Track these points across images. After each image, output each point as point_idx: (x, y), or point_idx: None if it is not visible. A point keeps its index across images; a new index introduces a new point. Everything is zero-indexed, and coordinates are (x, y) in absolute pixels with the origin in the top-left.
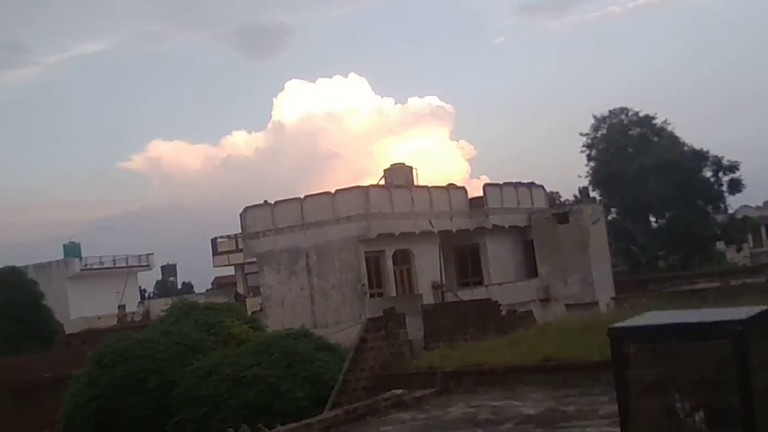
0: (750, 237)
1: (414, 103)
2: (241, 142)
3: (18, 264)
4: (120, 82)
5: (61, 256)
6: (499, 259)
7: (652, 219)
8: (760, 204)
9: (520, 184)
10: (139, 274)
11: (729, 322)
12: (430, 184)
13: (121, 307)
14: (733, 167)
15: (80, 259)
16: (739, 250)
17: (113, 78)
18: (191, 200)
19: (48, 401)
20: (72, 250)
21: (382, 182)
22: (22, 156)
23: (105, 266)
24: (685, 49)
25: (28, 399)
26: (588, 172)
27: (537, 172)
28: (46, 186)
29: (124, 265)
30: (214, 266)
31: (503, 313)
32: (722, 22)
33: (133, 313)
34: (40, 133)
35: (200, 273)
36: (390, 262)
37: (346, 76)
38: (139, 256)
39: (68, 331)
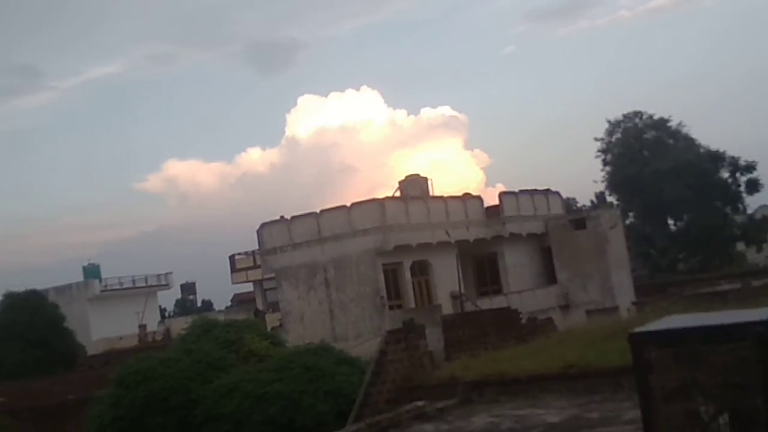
0: None
1: (427, 113)
2: (255, 158)
3: (39, 287)
4: (134, 103)
5: (81, 278)
6: (517, 267)
7: (671, 222)
8: None
9: (535, 191)
10: (158, 293)
11: (751, 324)
12: (445, 195)
13: (142, 327)
14: (750, 167)
15: (100, 280)
16: (759, 250)
17: (127, 99)
18: (208, 218)
19: (71, 423)
20: (91, 272)
21: (398, 194)
22: (38, 180)
23: (124, 287)
24: (698, 52)
25: (52, 421)
26: (604, 177)
27: (553, 178)
28: (63, 209)
29: (143, 285)
30: (233, 283)
31: (523, 321)
32: (733, 23)
33: (154, 333)
34: (56, 157)
35: (219, 290)
36: (408, 274)
37: (358, 90)
38: (158, 275)
39: (90, 352)
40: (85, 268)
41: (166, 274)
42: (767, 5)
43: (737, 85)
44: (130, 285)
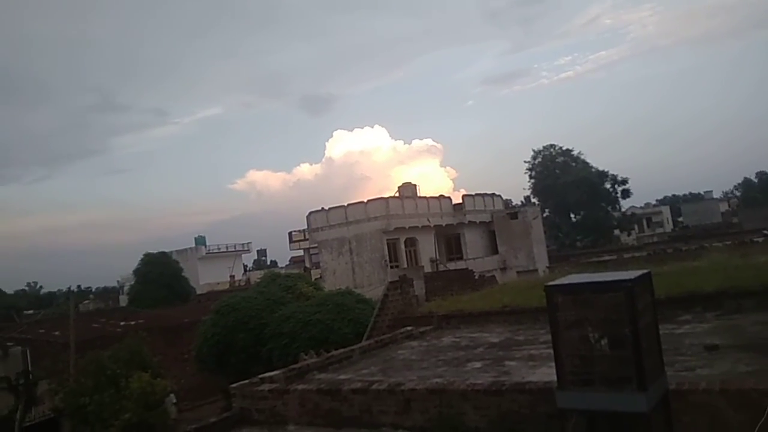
0: (636, 226)
1: (416, 143)
2: (306, 170)
3: (166, 250)
4: (230, 133)
5: (193, 245)
6: (473, 242)
7: (572, 216)
8: (642, 205)
9: (486, 194)
10: (243, 255)
11: (622, 281)
12: (428, 196)
13: (232, 276)
14: (624, 181)
15: (205, 246)
16: (629, 235)
17: (225, 131)
18: (275, 208)
19: (187, 337)
20: (200, 240)
21: (397, 195)
22: (166, 183)
23: (221, 251)
24: (592, 106)
25: (174, 336)
26: (530, 186)
27: (497, 186)
28: (184, 200)
29: (233, 250)
30: (290, 250)
31: (476, 277)
32: (617, 88)
33: (240, 280)
34: (179, 168)
35: (282, 254)
36: (403, 246)
37: (372, 127)
38: (243, 244)
39: (198, 293)
40: (196, 238)
41: (247, 243)
42: (637, 78)
43: (617, 128)
44: (225, 250)
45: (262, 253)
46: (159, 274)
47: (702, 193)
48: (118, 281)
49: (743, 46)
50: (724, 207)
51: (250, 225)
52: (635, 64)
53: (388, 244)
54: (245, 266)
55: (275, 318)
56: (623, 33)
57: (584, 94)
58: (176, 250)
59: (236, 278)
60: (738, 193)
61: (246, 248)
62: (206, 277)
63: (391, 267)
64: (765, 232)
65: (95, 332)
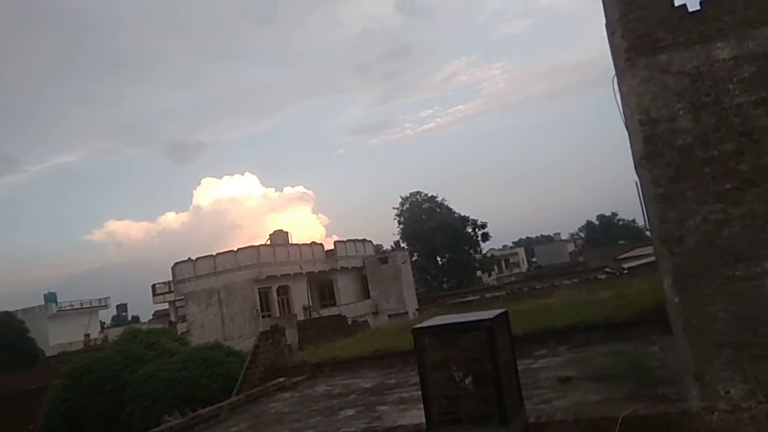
0: (496, 267)
1: (288, 190)
2: (172, 219)
3: (10, 309)
4: (87, 181)
5: (42, 302)
6: (345, 288)
7: (439, 259)
8: (501, 247)
9: (357, 240)
10: (99, 311)
11: (483, 320)
12: (300, 242)
13: (87, 335)
14: (484, 225)
15: (56, 303)
16: (489, 275)
17: (81, 179)
18: (138, 259)
19: (34, 405)
20: (50, 297)
21: (269, 242)
22: (16, 232)
23: (74, 307)
24: (451, 155)
25: (17, 405)
26: (399, 231)
27: (367, 232)
28: (32, 254)
29: (88, 306)
30: (154, 303)
31: (349, 322)
32: (472, 139)
33: (96, 339)
34: (29, 218)
35: (145, 308)
36: (275, 294)
37: (242, 174)
38: (100, 299)
39: (48, 354)
40: (45, 295)
41: (105, 298)
42: (493, 129)
43: (476, 176)
44: (79, 306)
45: (122, 308)
46: (0, 336)
47: (552, 235)
48: None
49: (582, 102)
50: (571, 247)
51: (108, 278)
52: (490, 117)
53: (259, 293)
54: (103, 323)
55: (135, 378)
56: (478, 89)
57: (446, 144)
58: (22, 309)
59: (92, 337)
60: (582, 235)
61: (104, 304)
62: (57, 338)
63: (263, 317)
64: (607, 269)
65: None
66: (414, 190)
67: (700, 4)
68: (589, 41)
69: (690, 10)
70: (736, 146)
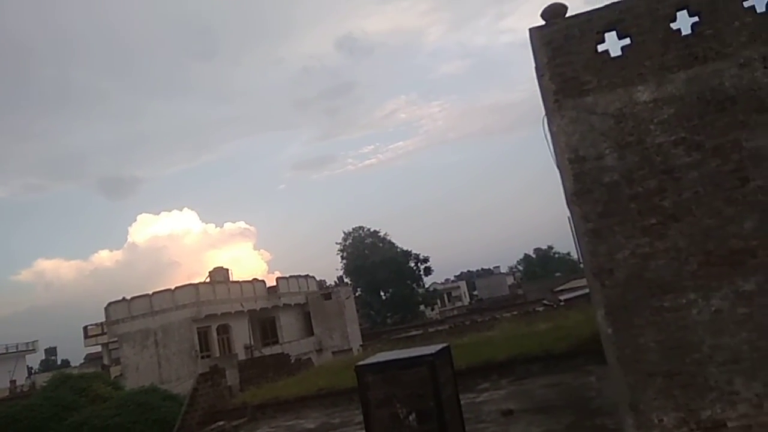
0: (438, 301)
1: (228, 226)
2: (105, 257)
3: None
4: (14, 218)
5: None
6: (288, 325)
7: (382, 294)
8: (443, 280)
9: (300, 275)
10: (26, 356)
11: (426, 356)
12: (240, 280)
13: (12, 382)
14: (426, 259)
15: None
16: (432, 309)
17: (8, 216)
18: (68, 299)
19: None
20: None
21: (208, 280)
22: None
23: None
24: (393, 191)
25: None
26: (342, 266)
27: (310, 267)
28: None
29: (14, 350)
30: (86, 346)
31: (292, 361)
32: (414, 175)
33: (22, 386)
34: None
35: (76, 352)
36: (215, 333)
37: (181, 210)
38: (27, 342)
39: None
40: None
41: (32, 341)
42: (433, 166)
43: (417, 211)
44: (4, 351)
45: (51, 351)
46: None
47: (492, 268)
48: None
49: (517, 140)
50: (510, 280)
51: (36, 321)
52: (430, 154)
53: (198, 332)
54: (30, 368)
55: (65, 427)
56: (417, 126)
57: (387, 179)
58: None
59: (18, 383)
60: (521, 268)
61: (31, 347)
62: None
63: (202, 357)
64: (545, 301)
65: None
66: (357, 225)
67: (621, 49)
68: (520, 82)
69: (612, 55)
70: (658, 183)
